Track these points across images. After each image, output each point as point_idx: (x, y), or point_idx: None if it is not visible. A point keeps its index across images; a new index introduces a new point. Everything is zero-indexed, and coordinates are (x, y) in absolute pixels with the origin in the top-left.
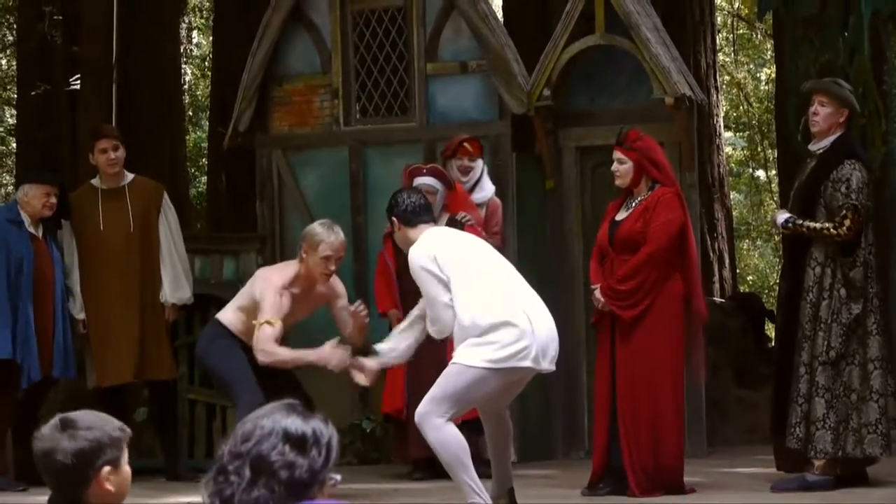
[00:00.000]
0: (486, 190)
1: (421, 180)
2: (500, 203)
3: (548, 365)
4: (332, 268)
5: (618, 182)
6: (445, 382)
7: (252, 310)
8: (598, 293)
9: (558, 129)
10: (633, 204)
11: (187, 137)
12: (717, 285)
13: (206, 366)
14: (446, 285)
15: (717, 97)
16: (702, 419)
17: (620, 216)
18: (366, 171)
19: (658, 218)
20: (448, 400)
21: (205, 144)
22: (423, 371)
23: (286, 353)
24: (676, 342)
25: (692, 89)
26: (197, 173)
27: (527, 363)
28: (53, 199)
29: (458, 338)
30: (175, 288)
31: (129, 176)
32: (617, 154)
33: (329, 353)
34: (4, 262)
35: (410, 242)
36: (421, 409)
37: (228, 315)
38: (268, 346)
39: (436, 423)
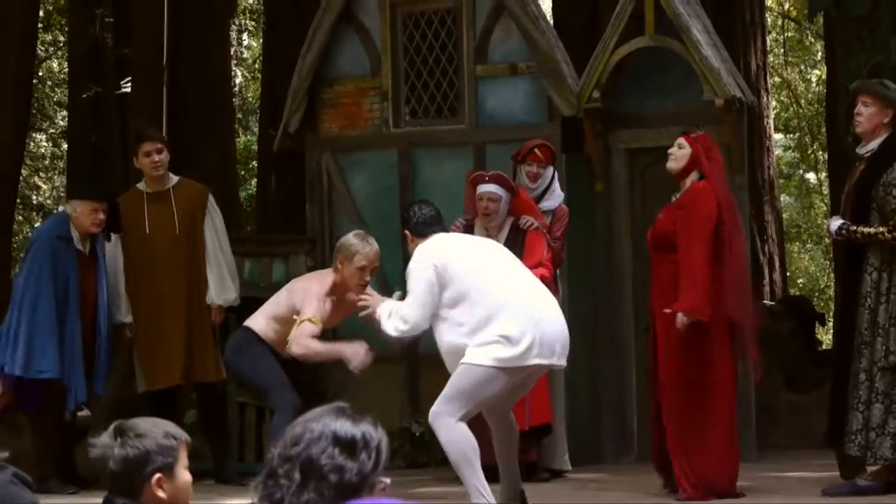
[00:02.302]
0: (556, 198)
1: (484, 188)
2: (567, 210)
3: (557, 360)
4: (368, 278)
5: (669, 164)
6: (455, 382)
7: (287, 319)
8: (680, 321)
9: (608, 131)
10: (674, 198)
11: (237, 140)
12: (767, 288)
13: (236, 373)
14: (436, 291)
15: (768, 99)
16: (751, 423)
17: (663, 214)
18: (415, 173)
19: (695, 216)
20: (458, 399)
21: (255, 147)
22: None
23: (319, 346)
24: (720, 346)
25: (742, 91)
26: (247, 176)
27: (533, 360)
28: (101, 216)
29: (458, 346)
30: (221, 289)
31: (175, 178)
32: (680, 139)
33: (355, 351)
34: (52, 281)
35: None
36: (433, 409)
37: (260, 323)
38: (303, 340)
39: (447, 423)
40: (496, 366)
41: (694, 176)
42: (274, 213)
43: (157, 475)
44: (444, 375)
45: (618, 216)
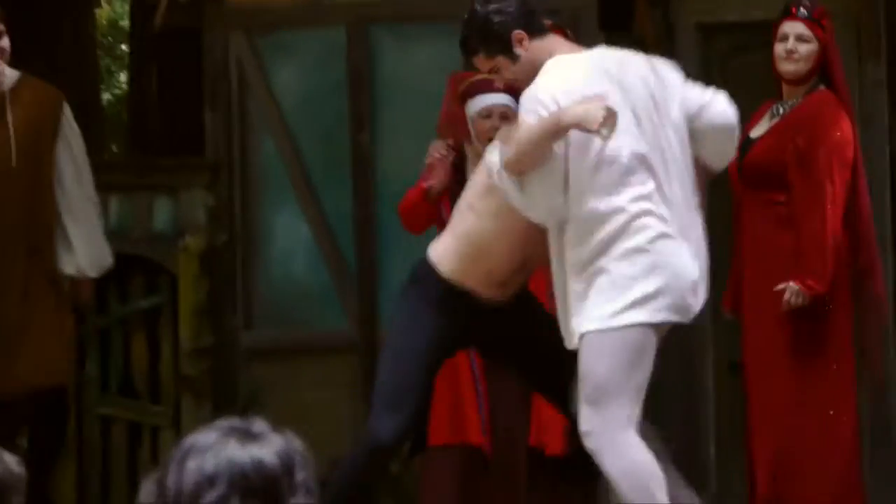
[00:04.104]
0: None
1: (493, 99)
2: None
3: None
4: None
5: (788, 68)
6: (594, 374)
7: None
8: (792, 295)
9: None
10: (781, 111)
11: (97, 12)
12: None
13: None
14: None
15: None
16: (891, 444)
17: (758, 131)
18: (373, 63)
19: (825, 141)
20: (613, 397)
21: (124, 22)
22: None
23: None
24: (841, 335)
25: None
26: (113, 68)
27: (674, 316)
28: None
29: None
30: (90, 251)
31: (13, 76)
32: (798, 27)
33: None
34: None
35: (537, 68)
36: (584, 428)
37: (442, 245)
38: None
39: (613, 442)
40: (642, 321)
41: (814, 81)
42: (154, 126)
43: None
44: (460, 390)
45: None
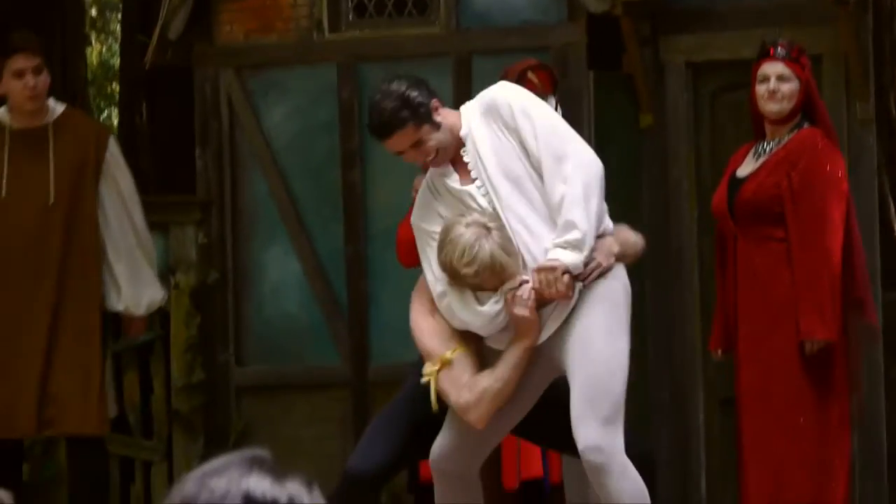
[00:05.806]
0: None
1: None
2: None
3: None
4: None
5: (772, 108)
6: (610, 375)
7: None
8: (810, 346)
9: (659, 35)
10: (768, 149)
11: (89, 50)
12: None
13: None
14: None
15: None
16: (881, 476)
17: (745, 170)
18: (363, 101)
19: (821, 177)
20: (620, 407)
21: (115, 61)
22: None
23: (491, 380)
24: (837, 370)
25: None
26: (103, 104)
27: None
28: None
29: None
30: (138, 288)
31: (58, 109)
32: (778, 67)
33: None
34: None
35: (454, 133)
36: (593, 442)
37: None
38: (474, 400)
39: (622, 462)
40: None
41: (794, 120)
42: (146, 165)
43: None
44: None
45: (676, 164)
